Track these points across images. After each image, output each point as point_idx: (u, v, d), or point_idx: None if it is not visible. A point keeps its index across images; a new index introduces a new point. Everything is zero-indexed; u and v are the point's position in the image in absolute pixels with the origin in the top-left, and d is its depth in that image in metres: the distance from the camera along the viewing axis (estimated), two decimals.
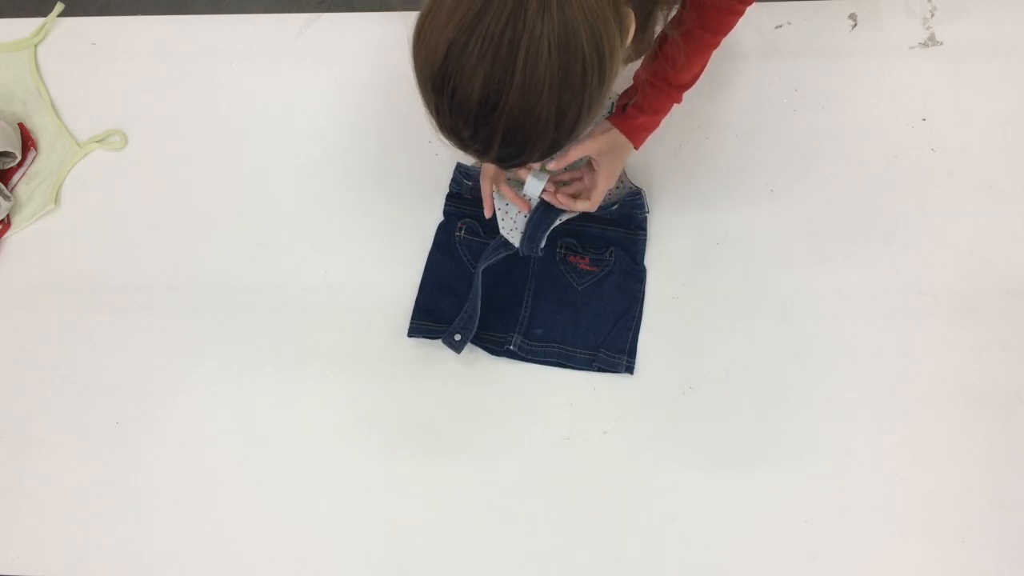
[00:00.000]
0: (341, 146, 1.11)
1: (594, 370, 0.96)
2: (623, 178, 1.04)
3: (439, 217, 1.05)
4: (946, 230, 0.99)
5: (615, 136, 0.94)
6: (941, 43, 1.07)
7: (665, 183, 1.04)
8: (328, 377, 1.00)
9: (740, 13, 0.89)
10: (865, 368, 0.94)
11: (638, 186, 1.02)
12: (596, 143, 0.93)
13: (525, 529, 0.92)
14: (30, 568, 0.97)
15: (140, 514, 0.97)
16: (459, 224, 1.03)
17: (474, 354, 0.99)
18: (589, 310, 0.99)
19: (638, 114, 0.94)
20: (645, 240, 1.01)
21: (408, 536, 0.93)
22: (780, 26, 1.10)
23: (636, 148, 0.95)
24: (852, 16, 1.10)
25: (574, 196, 0.96)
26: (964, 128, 1.03)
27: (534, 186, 0.94)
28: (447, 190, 1.06)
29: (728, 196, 1.03)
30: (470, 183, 1.04)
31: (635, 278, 0.99)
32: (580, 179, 0.98)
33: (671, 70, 0.90)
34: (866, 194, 1.01)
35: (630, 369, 0.96)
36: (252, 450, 0.98)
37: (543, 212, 0.96)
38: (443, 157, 1.08)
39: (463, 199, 1.05)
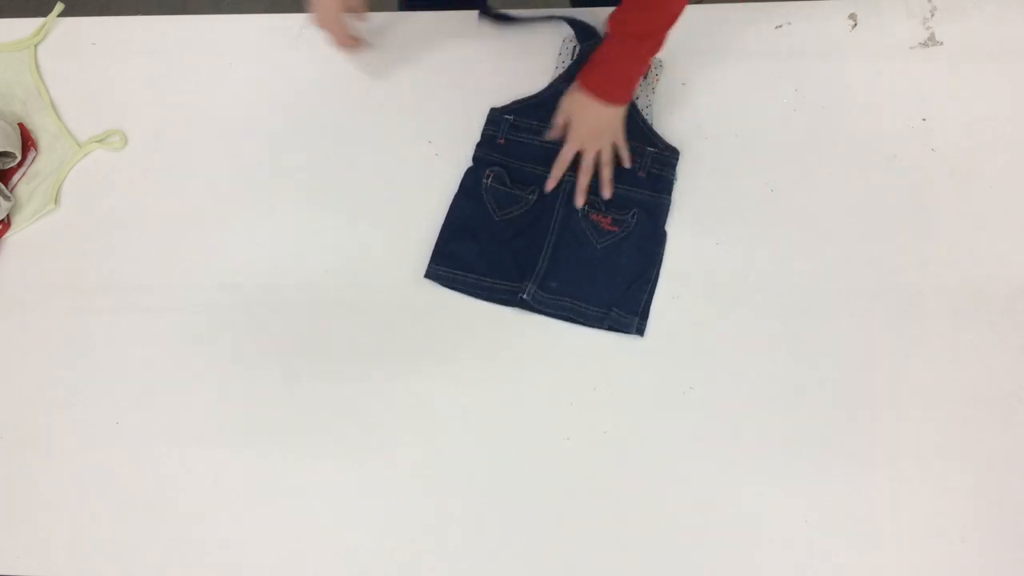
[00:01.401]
0: (342, 146, 1.11)
1: (604, 328, 0.96)
2: (654, 139, 1.03)
3: (441, 215, 1.05)
4: (946, 230, 0.99)
5: (574, 93, 0.97)
6: (941, 43, 1.07)
7: None
8: (327, 375, 1.00)
9: None
10: (865, 368, 0.94)
11: (675, 146, 1.02)
12: (562, 102, 0.99)
13: (525, 529, 0.92)
14: (30, 568, 0.97)
15: (140, 514, 0.97)
16: (487, 171, 1.03)
17: (475, 355, 0.99)
18: (605, 269, 0.99)
19: (593, 67, 0.95)
20: (670, 204, 1.01)
21: (407, 535, 0.93)
22: (780, 26, 1.10)
23: (610, 102, 0.95)
24: (852, 16, 1.10)
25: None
26: (964, 128, 1.03)
27: None
28: (473, 145, 1.06)
29: (728, 196, 1.03)
30: (510, 118, 1.05)
31: (655, 241, 0.99)
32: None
33: (625, 11, 0.91)
34: (866, 194, 1.01)
35: (640, 331, 0.96)
36: (253, 450, 0.98)
37: None
38: (444, 157, 1.09)
39: (496, 144, 1.05)
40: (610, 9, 0.94)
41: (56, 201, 1.13)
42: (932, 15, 1.08)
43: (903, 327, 0.95)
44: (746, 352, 0.96)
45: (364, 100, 1.14)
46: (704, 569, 0.89)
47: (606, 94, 0.95)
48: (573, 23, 1.10)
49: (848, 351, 0.95)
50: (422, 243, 1.04)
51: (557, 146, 1.03)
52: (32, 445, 1.02)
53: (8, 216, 1.13)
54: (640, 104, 1.05)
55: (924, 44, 1.07)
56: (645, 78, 1.06)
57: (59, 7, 1.23)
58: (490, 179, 1.03)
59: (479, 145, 1.05)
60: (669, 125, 1.07)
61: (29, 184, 1.15)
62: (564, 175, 1.02)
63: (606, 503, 0.92)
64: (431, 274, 1.00)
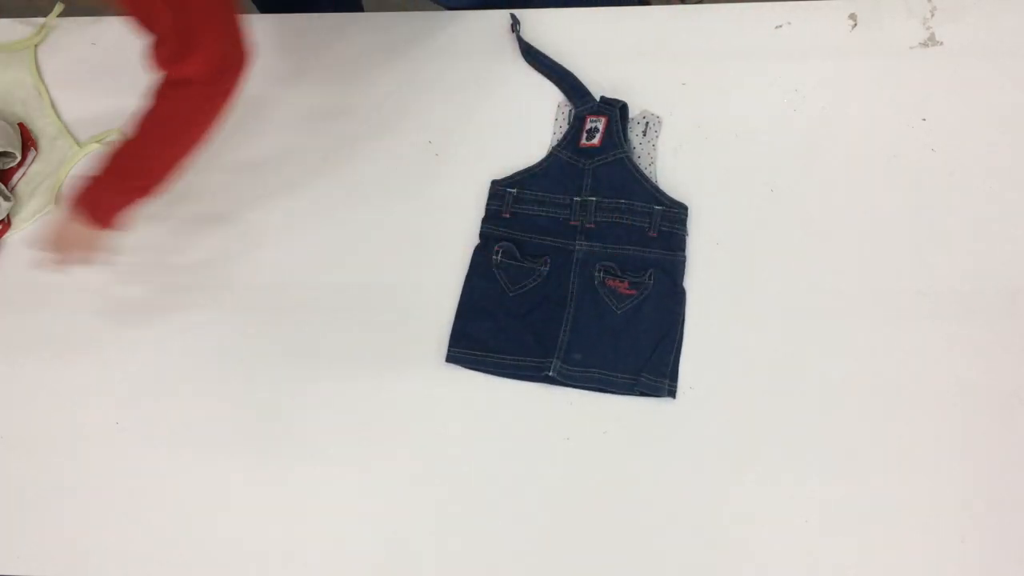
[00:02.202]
0: (343, 148, 1.11)
1: (636, 394, 0.95)
2: (660, 197, 1.01)
3: (447, 222, 1.05)
4: (946, 230, 0.99)
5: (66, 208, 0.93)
6: (941, 43, 1.07)
7: (665, 183, 1.04)
8: (328, 377, 1.00)
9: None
10: (865, 368, 0.94)
11: (683, 202, 1.01)
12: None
13: (524, 529, 0.92)
14: (30, 568, 0.97)
15: (140, 514, 0.97)
16: (496, 247, 1.02)
17: None
18: (628, 334, 0.97)
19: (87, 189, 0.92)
20: (684, 261, 0.99)
21: (407, 536, 0.93)
22: (780, 26, 1.10)
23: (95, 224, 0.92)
24: (852, 16, 1.10)
25: None
26: (964, 128, 1.03)
27: None
28: (474, 208, 1.05)
29: (728, 196, 1.03)
30: (513, 191, 1.04)
31: (675, 300, 0.97)
32: None
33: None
34: (866, 194, 1.01)
35: (672, 393, 0.94)
36: (253, 451, 0.98)
37: None
38: (444, 156, 1.09)
39: (501, 218, 1.03)
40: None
41: (56, 201, 1.13)
42: (932, 15, 1.08)
43: (902, 327, 0.95)
44: (746, 351, 0.96)
45: (365, 100, 1.14)
46: (704, 569, 0.89)
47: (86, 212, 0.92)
48: (565, 85, 1.09)
49: (848, 351, 0.95)
50: (420, 241, 1.05)
51: (564, 215, 1.03)
52: (32, 445, 1.02)
53: (8, 216, 1.13)
54: (643, 164, 1.04)
55: (924, 44, 1.07)
56: (644, 135, 1.05)
57: (59, 7, 1.24)
58: (499, 255, 1.01)
59: (484, 220, 1.04)
60: (668, 123, 1.07)
61: (29, 184, 1.15)
62: (575, 244, 1.01)
63: (606, 503, 0.92)
64: (452, 358, 0.98)
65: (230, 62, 0.87)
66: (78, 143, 1.16)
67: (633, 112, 1.07)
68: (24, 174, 1.16)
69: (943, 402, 0.92)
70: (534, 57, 1.11)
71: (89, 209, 0.93)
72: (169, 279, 1.07)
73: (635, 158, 1.04)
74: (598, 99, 1.07)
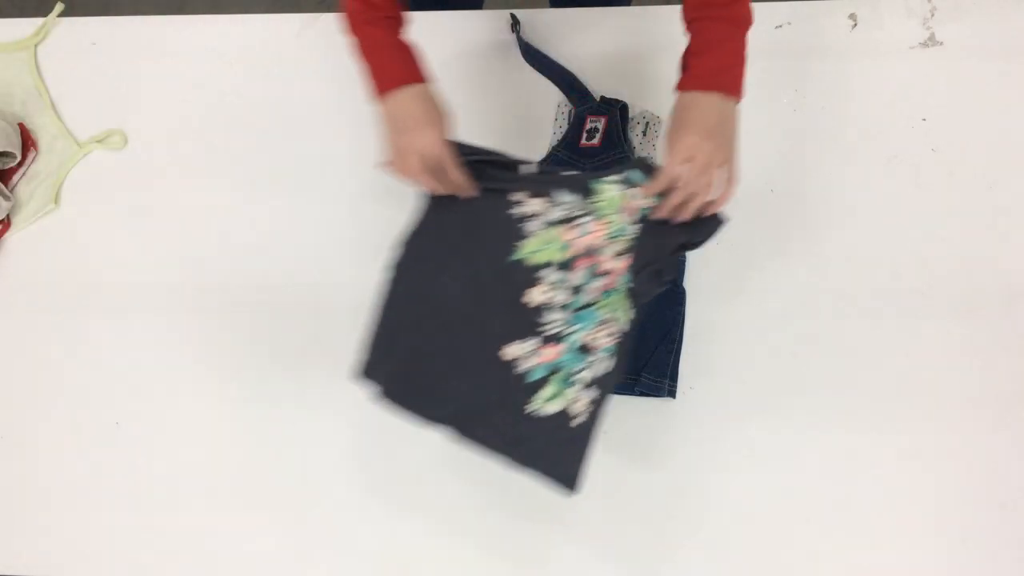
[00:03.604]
0: (343, 147, 1.11)
1: (636, 394, 0.95)
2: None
3: None
4: (946, 230, 0.99)
5: (682, 101, 0.82)
6: (941, 43, 1.07)
7: None
8: (327, 377, 1.00)
9: None
10: (865, 368, 0.94)
11: None
12: (668, 128, 0.84)
13: (525, 529, 0.92)
14: (30, 568, 0.97)
15: (140, 514, 0.97)
16: None
17: None
18: (629, 334, 0.97)
19: (696, 61, 0.83)
20: (685, 261, 0.99)
21: (407, 536, 0.93)
22: (780, 26, 1.10)
23: (733, 96, 0.83)
24: (852, 16, 1.10)
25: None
26: (964, 128, 1.03)
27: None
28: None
29: None
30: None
31: (675, 301, 0.97)
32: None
33: None
34: (866, 194, 1.01)
35: (672, 393, 0.94)
36: (253, 451, 0.98)
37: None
38: None
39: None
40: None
41: (56, 201, 1.13)
42: (932, 15, 1.08)
43: (903, 327, 0.95)
44: (746, 351, 0.96)
45: (364, 100, 1.14)
46: (704, 567, 0.89)
47: (718, 84, 0.83)
48: (565, 85, 1.09)
49: (848, 351, 0.95)
50: None
51: None
52: (32, 445, 1.02)
53: (8, 216, 1.13)
54: None
55: (924, 44, 1.07)
56: (644, 135, 1.05)
57: (59, 7, 1.24)
58: None
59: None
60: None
61: (29, 184, 1.15)
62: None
63: (606, 503, 0.92)
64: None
65: None
66: (78, 143, 1.16)
67: (633, 112, 1.07)
68: (24, 174, 1.16)
69: (943, 402, 0.92)
70: (534, 57, 1.11)
71: (714, 72, 0.81)
72: (169, 280, 1.07)
73: (635, 158, 1.04)
74: (598, 99, 1.07)
